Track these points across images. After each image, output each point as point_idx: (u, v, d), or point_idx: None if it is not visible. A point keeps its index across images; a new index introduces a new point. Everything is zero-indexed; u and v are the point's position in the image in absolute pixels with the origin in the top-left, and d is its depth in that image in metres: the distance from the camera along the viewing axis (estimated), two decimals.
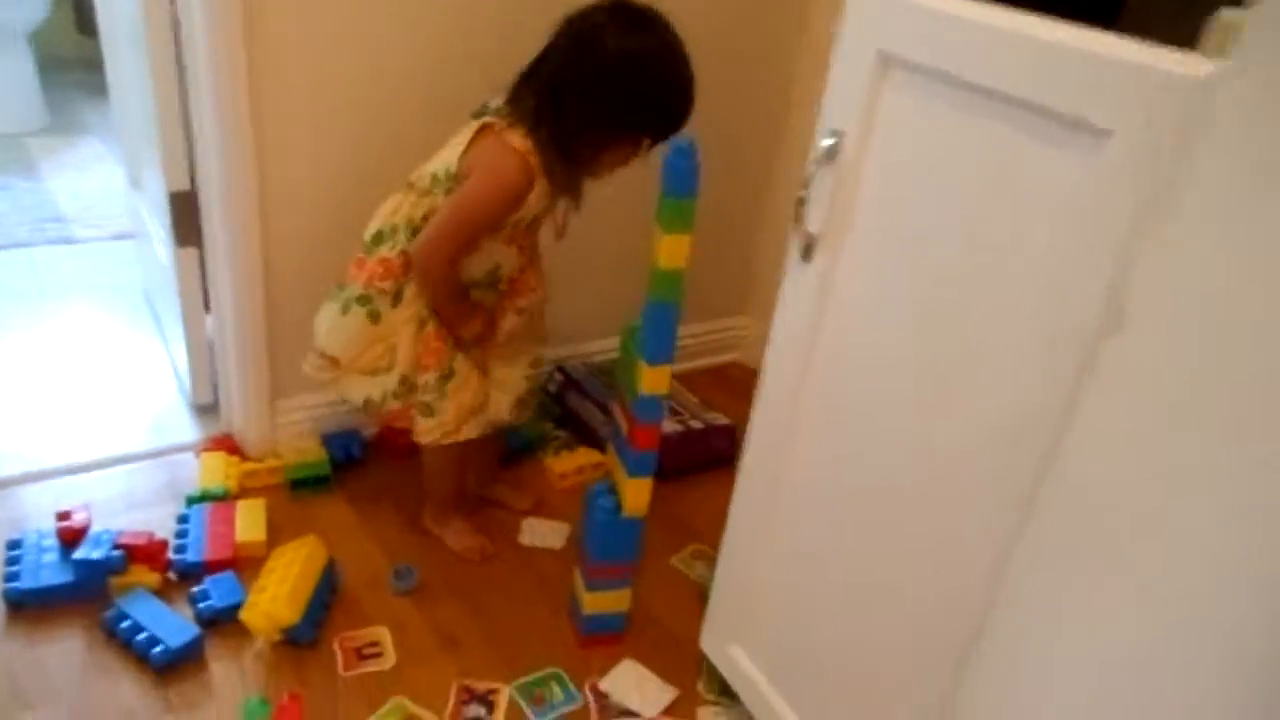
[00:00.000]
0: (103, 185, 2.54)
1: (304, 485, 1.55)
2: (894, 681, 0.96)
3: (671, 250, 1.07)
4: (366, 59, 1.43)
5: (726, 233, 1.96)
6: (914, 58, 0.82)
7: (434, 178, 1.25)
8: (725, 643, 1.21)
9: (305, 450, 1.60)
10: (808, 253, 0.96)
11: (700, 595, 1.45)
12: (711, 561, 1.51)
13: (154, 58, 1.41)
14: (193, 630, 1.22)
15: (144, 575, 1.30)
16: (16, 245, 2.22)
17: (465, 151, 1.22)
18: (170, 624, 1.22)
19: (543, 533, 1.54)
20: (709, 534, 1.55)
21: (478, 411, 1.37)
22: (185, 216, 1.53)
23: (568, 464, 1.69)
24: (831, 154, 0.91)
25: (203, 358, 1.68)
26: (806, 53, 1.84)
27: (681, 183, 1.04)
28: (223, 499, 1.47)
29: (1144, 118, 0.64)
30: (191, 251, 1.57)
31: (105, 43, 1.91)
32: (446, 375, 1.32)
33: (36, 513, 1.43)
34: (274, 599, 1.23)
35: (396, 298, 1.28)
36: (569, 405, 1.82)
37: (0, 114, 2.80)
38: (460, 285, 1.30)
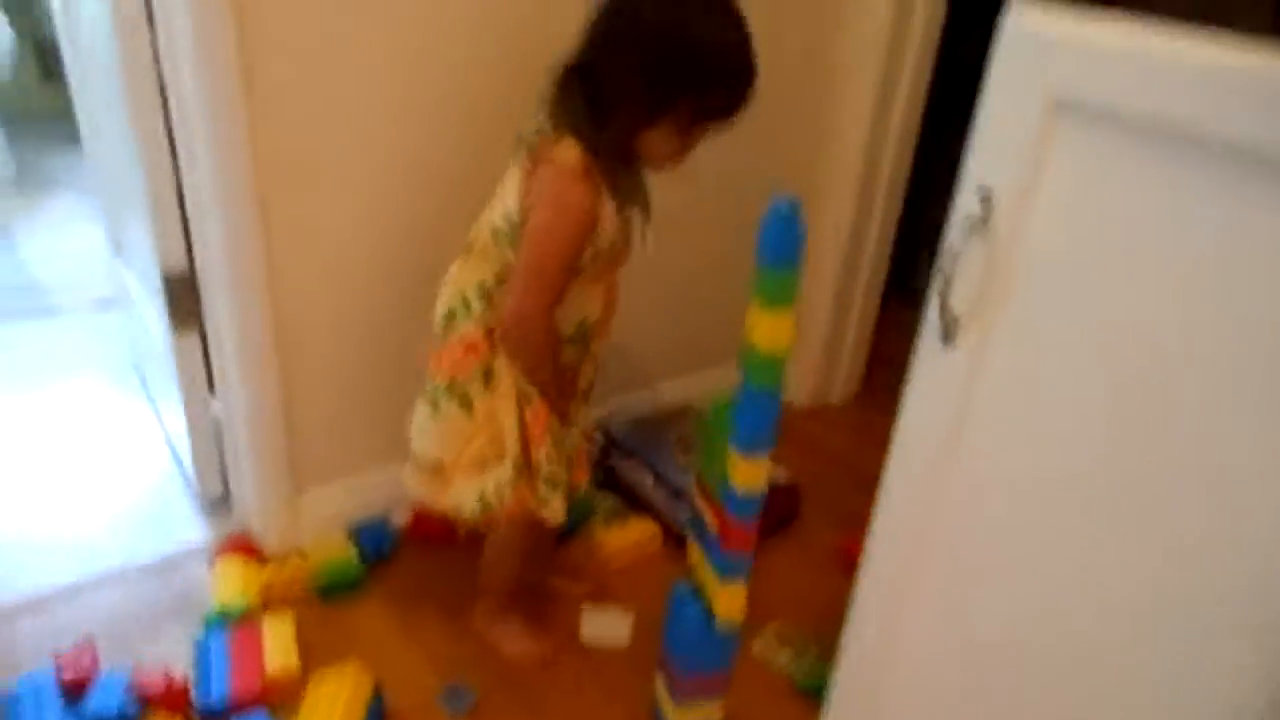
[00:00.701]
0: (80, 247, 2.37)
1: (334, 590, 1.38)
2: None
3: (772, 329, 0.91)
4: (379, 124, 1.27)
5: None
6: (1103, 103, 0.67)
7: (495, 232, 1.08)
8: None
9: (332, 548, 1.43)
10: (949, 335, 0.80)
11: (792, 687, 1.29)
12: (796, 644, 1.36)
13: (140, 130, 1.24)
14: None
15: None
16: None
17: (522, 189, 1.06)
18: None
19: (605, 625, 1.38)
20: (784, 609, 1.40)
21: None
22: (183, 300, 1.36)
23: (621, 539, 1.53)
24: (982, 217, 0.75)
25: (209, 447, 1.50)
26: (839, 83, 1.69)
27: (781, 249, 0.89)
28: (244, 616, 1.30)
29: None
30: (192, 336, 1.40)
31: (77, 97, 1.73)
32: (561, 442, 1.16)
33: (31, 649, 1.25)
34: None
35: (488, 378, 1.12)
36: (614, 468, 1.66)
37: None
38: (557, 346, 1.13)
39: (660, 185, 1.16)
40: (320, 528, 1.46)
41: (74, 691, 1.14)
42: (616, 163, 1.07)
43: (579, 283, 1.10)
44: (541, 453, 1.13)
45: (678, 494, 1.54)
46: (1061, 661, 0.80)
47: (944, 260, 0.78)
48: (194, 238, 1.29)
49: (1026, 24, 0.70)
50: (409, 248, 1.36)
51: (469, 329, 1.11)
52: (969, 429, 0.82)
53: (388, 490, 1.50)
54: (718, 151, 1.14)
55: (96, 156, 1.75)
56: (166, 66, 1.17)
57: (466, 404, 1.13)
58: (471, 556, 1.47)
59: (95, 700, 1.11)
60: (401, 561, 1.47)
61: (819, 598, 1.41)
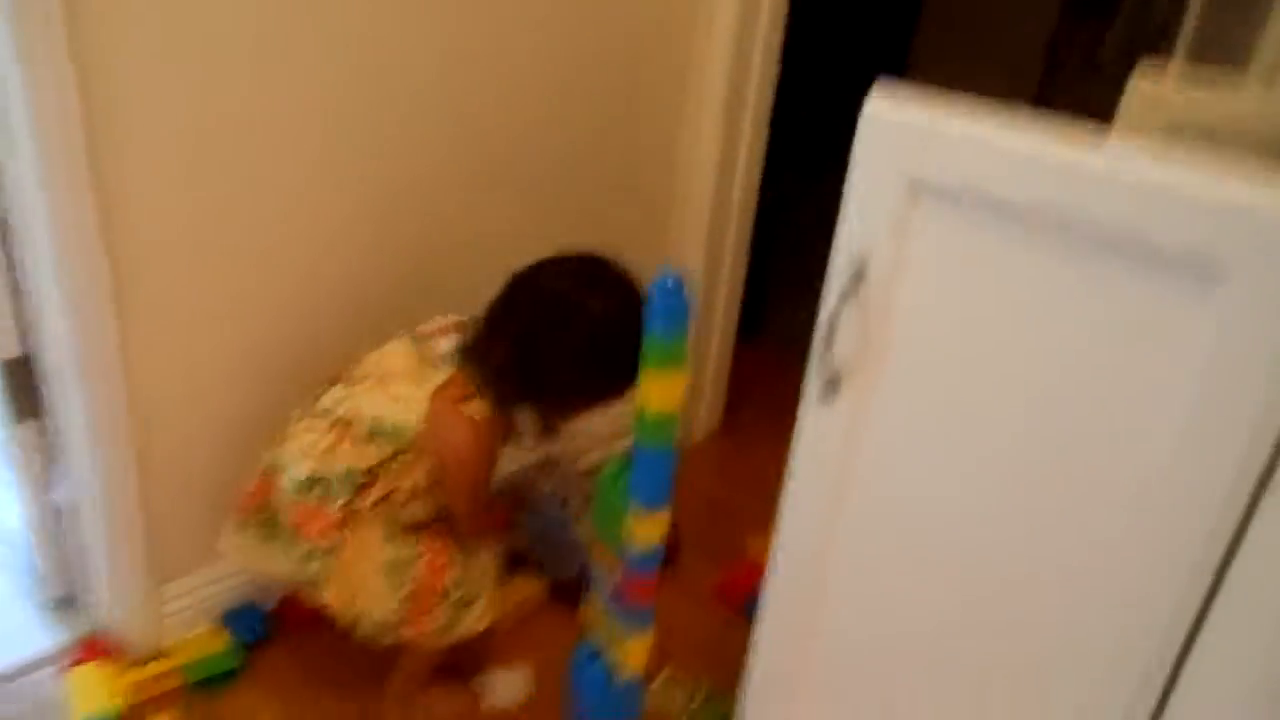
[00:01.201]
0: None
1: (208, 684, 1.31)
2: None
3: (663, 391, 0.96)
4: (252, 216, 1.24)
5: None
6: (954, 185, 0.76)
7: (376, 428, 1.15)
8: None
9: (202, 640, 1.35)
10: (831, 391, 0.87)
11: None
12: (689, 686, 1.40)
13: None
14: None
15: None
16: None
17: (426, 415, 1.15)
18: None
19: (505, 685, 1.37)
20: (674, 651, 1.44)
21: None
22: (22, 386, 1.26)
23: (508, 597, 1.52)
24: (855, 282, 0.83)
25: (52, 544, 1.39)
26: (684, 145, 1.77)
27: (669, 319, 0.94)
28: None
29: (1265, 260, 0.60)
30: (31, 424, 1.29)
31: None
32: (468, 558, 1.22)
33: None
34: None
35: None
36: None
37: None
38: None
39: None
40: (183, 621, 1.38)
41: None
42: (526, 426, 1.23)
43: None
44: (450, 577, 1.17)
45: (558, 548, 1.56)
46: (947, 678, 0.88)
47: (822, 322, 0.85)
48: (30, 321, 1.20)
49: (882, 110, 0.79)
50: (276, 335, 1.33)
51: (331, 510, 1.13)
52: (853, 476, 0.90)
53: (249, 577, 1.44)
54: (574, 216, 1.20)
55: None
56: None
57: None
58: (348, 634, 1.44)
59: None
60: (277, 645, 1.40)
61: (704, 635, 1.46)
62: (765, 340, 2.35)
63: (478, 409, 1.16)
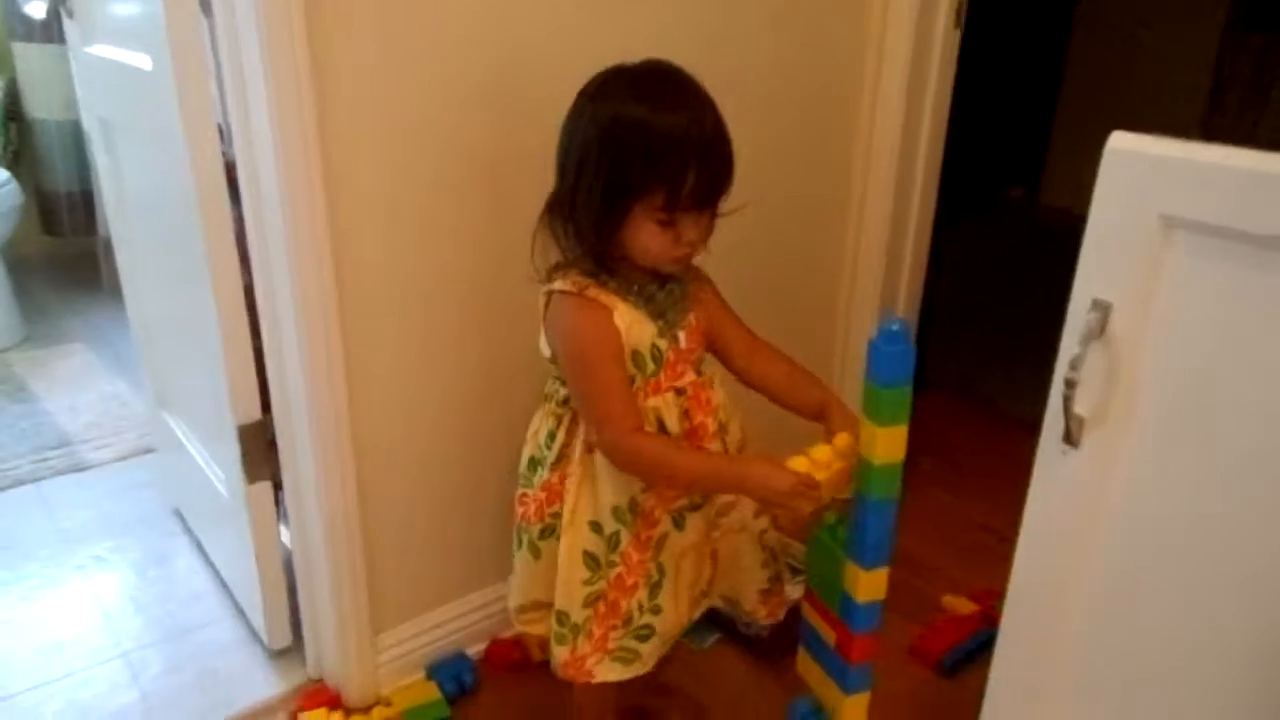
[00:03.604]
0: (102, 397, 2.35)
1: None
2: None
3: (888, 444, 0.95)
4: (451, 281, 1.31)
5: None
6: (1211, 219, 0.72)
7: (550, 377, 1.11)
8: None
9: (414, 689, 1.41)
10: (1073, 437, 0.84)
11: None
12: None
13: (221, 294, 1.27)
14: None
15: None
16: (21, 483, 2.00)
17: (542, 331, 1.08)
18: None
19: None
20: (879, 709, 1.38)
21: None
22: (256, 448, 1.36)
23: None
24: (1099, 326, 0.80)
25: (279, 597, 1.48)
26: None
27: (892, 370, 0.93)
28: None
29: None
30: (265, 485, 1.40)
31: (119, 254, 1.75)
32: (655, 584, 1.11)
33: None
34: None
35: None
36: None
37: None
38: (670, 438, 1.08)
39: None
40: (397, 669, 1.44)
41: None
42: (617, 273, 1.04)
43: (639, 397, 1.06)
44: (633, 601, 1.10)
45: None
46: None
47: (1063, 365, 0.83)
48: (271, 390, 1.30)
49: (1129, 145, 0.76)
50: (485, 391, 1.40)
51: (539, 481, 1.12)
52: (1094, 527, 0.85)
53: (460, 624, 1.50)
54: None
55: (139, 314, 1.77)
56: (252, 233, 1.21)
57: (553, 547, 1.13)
58: (552, 677, 1.46)
59: None
60: (484, 693, 1.45)
61: (904, 693, 1.41)
62: (932, 392, 2.29)
63: (561, 280, 1.05)
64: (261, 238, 1.20)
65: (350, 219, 1.18)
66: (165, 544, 1.81)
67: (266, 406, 1.34)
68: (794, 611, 1.22)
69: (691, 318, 1.10)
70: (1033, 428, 0.87)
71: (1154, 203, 0.75)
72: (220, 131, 1.24)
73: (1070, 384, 0.82)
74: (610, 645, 1.11)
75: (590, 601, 1.10)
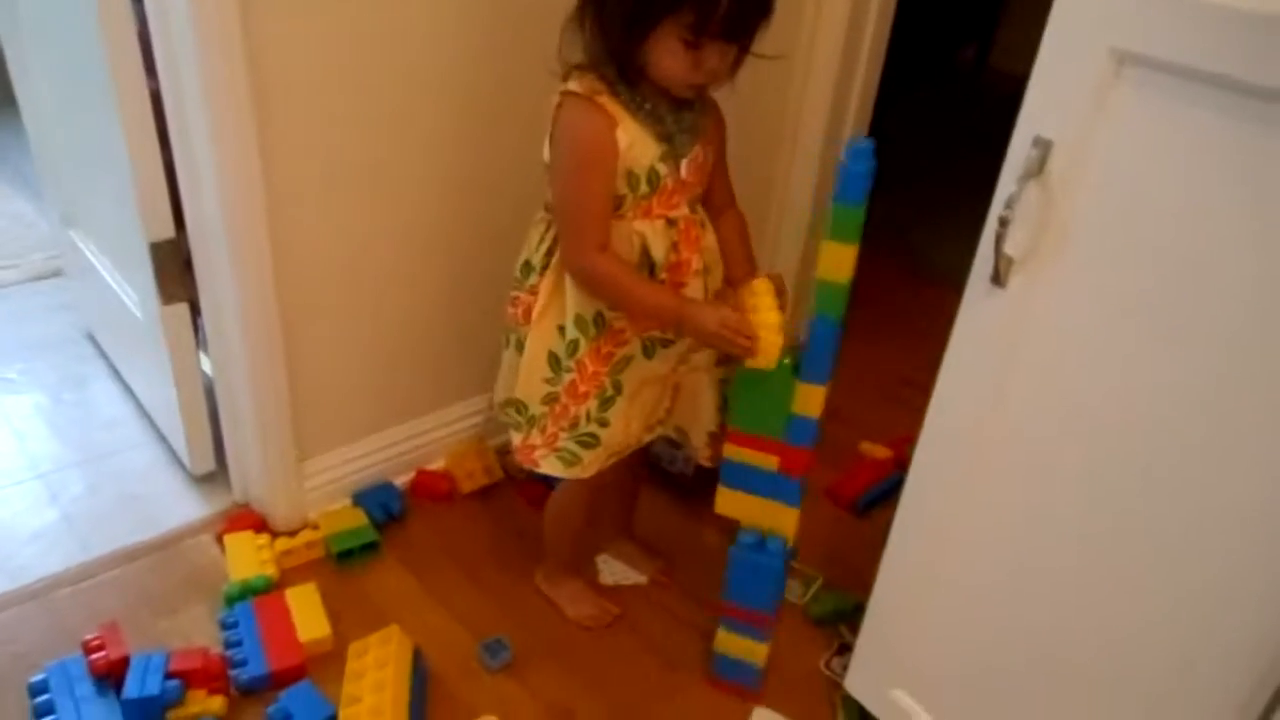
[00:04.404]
0: (2, 216, 2.22)
1: (350, 556, 1.37)
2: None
3: (835, 260, 0.97)
4: (392, 82, 1.23)
5: None
6: (1167, 57, 0.71)
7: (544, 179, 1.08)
8: (883, 687, 1.12)
9: (341, 515, 1.42)
10: (1001, 277, 0.85)
11: (805, 617, 1.36)
12: (804, 577, 1.42)
13: (124, 98, 1.17)
14: None
15: (207, 702, 1.12)
16: None
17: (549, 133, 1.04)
18: None
19: (625, 568, 1.42)
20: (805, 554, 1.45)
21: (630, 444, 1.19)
22: (170, 268, 1.30)
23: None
24: (1037, 166, 0.79)
25: (200, 422, 1.46)
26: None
27: (851, 188, 0.94)
28: (266, 590, 1.29)
29: None
30: (181, 305, 1.35)
31: (14, 68, 1.61)
32: (608, 398, 1.12)
33: (48, 640, 1.22)
34: (376, 712, 1.08)
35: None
36: None
37: None
38: (632, 265, 1.06)
39: None
40: (323, 496, 1.45)
41: (107, 675, 1.12)
42: (633, 87, 1.01)
43: (623, 218, 1.04)
44: (582, 409, 1.12)
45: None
46: (1093, 593, 0.87)
47: (998, 204, 0.83)
48: (184, 204, 1.23)
49: None
50: (422, 215, 1.35)
51: (536, 281, 1.11)
52: (1019, 364, 0.88)
53: (386, 454, 1.50)
54: None
55: (39, 128, 1.64)
56: (156, 33, 1.11)
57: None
58: (480, 511, 1.50)
59: (134, 683, 1.08)
60: (411, 523, 1.47)
61: (817, 532, 1.47)
62: (866, 249, 2.30)
63: (574, 82, 1.01)
64: (166, 34, 1.10)
65: (263, 7, 1.08)
66: (79, 368, 1.76)
67: (181, 224, 1.27)
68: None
69: (698, 150, 1.07)
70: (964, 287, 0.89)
71: (1105, 35, 0.73)
72: None
73: (1004, 222, 0.82)
74: (557, 445, 1.14)
75: (548, 400, 1.13)
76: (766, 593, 1.15)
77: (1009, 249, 0.83)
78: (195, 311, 1.36)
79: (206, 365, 1.41)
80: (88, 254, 1.64)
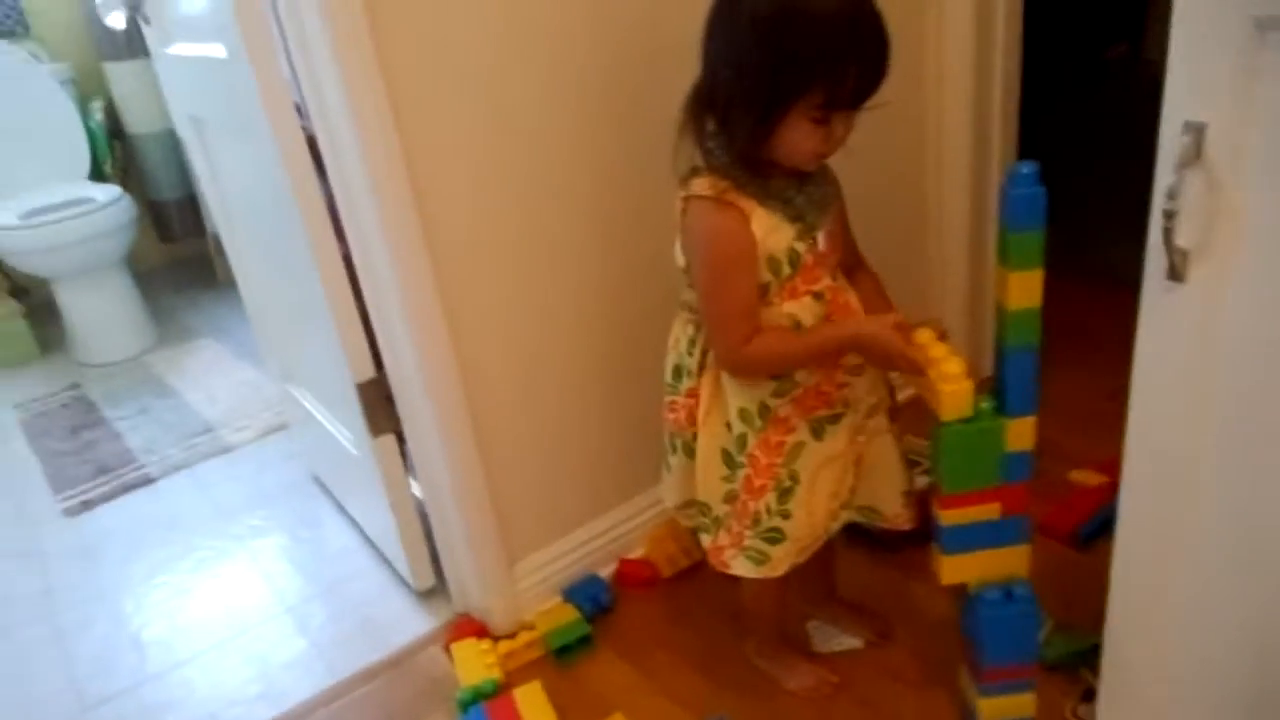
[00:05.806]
0: (234, 384, 2.51)
1: (568, 651, 1.42)
2: None
3: (1022, 288, 0.95)
4: (547, 206, 1.34)
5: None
6: None
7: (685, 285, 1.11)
8: None
9: (554, 612, 1.48)
10: (1178, 272, 0.81)
11: (1041, 665, 1.27)
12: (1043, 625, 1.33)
13: (323, 263, 1.34)
14: None
15: None
16: (176, 469, 2.17)
17: (681, 234, 1.06)
18: None
19: (837, 633, 1.39)
20: None
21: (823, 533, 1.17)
22: (376, 404, 1.44)
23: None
24: (1193, 152, 0.76)
25: (418, 542, 1.57)
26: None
27: (1025, 214, 0.93)
28: (495, 693, 1.35)
29: None
30: (389, 439, 1.48)
31: (229, 249, 1.86)
32: (785, 489, 1.11)
33: None
34: None
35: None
36: None
37: (118, 342, 2.82)
38: (779, 326, 1.05)
39: None
40: (536, 596, 1.51)
41: None
42: (759, 175, 1.01)
43: (774, 304, 1.05)
44: (761, 504, 1.11)
45: None
46: None
47: (1159, 196, 0.79)
48: (380, 347, 1.37)
49: None
50: (591, 310, 1.43)
51: (692, 384, 1.12)
52: (1209, 363, 0.82)
53: (589, 548, 1.56)
54: None
55: (254, 301, 1.88)
56: (342, 205, 1.26)
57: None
58: (685, 593, 1.51)
59: None
60: (621, 612, 1.51)
61: (1041, 571, 1.38)
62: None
63: (699, 184, 1.02)
64: (351, 205, 1.25)
65: (430, 170, 1.22)
66: (310, 507, 1.94)
67: (380, 365, 1.41)
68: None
69: (830, 221, 1.07)
70: None
71: (1245, 4, 0.70)
72: (298, 108, 1.29)
73: (1169, 215, 0.78)
74: (744, 544, 1.14)
75: (729, 499, 1.13)
76: (1028, 642, 1.10)
77: (1181, 241, 0.79)
78: (401, 441, 1.49)
79: (417, 489, 1.53)
80: (305, 404, 1.83)
